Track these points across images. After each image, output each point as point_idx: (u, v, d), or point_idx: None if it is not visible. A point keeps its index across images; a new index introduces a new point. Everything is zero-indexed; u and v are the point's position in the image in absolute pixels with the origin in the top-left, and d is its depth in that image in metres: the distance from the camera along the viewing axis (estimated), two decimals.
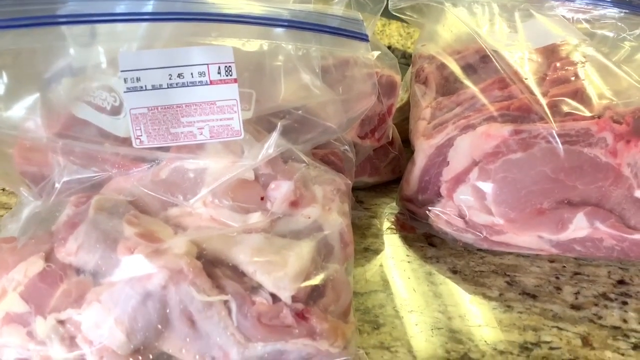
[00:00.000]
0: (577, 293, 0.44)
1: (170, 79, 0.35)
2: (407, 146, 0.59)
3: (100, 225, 0.37)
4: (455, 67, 0.55)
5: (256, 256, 0.35)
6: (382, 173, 0.57)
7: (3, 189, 0.57)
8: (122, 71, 0.35)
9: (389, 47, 1.03)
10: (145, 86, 0.35)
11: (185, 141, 0.37)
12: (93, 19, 0.36)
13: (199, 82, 0.35)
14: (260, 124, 0.42)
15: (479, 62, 0.55)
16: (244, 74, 0.38)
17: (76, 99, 0.39)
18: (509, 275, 0.46)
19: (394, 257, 0.48)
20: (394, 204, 0.56)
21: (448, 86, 0.54)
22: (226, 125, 0.37)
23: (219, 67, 0.35)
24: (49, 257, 0.37)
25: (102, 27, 0.37)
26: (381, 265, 0.47)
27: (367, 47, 0.41)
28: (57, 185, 0.41)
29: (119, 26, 0.37)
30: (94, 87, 0.38)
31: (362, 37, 0.41)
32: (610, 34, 0.56)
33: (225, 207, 0.39)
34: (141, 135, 0.36)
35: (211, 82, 0.35)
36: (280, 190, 0.40)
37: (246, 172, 0.39)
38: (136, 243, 0.35)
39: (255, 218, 0.39)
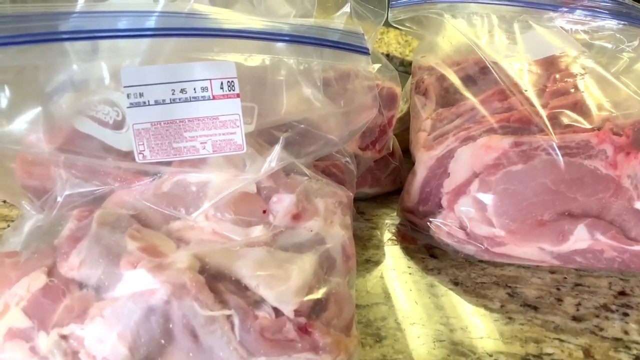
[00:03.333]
0: (579, 304, 0.45)
1: (173, 94, 0.35)
2: (407, 157, 0.60)
3: (103, 239, 0.37)
4: (454, 79, 0.55)
5: (259, 270, 0.35)
6: (383, 184, 0.57)
7: (4, 201, 0.57)
8: (125, 87, 0.35)
9: (387, 55, 1.03)
10: (149, 101, 0.35)
11: (187, 156, 0.37)
12: (95, 35, 0.36)
13: (202, 97, 0.36)
14: (262, 137, 0.42)
15: (479, 73, 0.55)
16: (246, 88, 0.38)
17: (78, 113, 0.39)
18: (510, 287, 0.46)
19: (396, 268, 0.48)
20: (394, 215, 0.56)
21: (448, 97, 0.55)
22: (229, 139, 0.37)
23: (222, 82, 0.36)
24: (51, 271, 0.37)
25: (104, 43, 0.38)
26: (382, 277, 0.47)
27: (368, 60, 0.41)
28: (59, 199, 0.41)
29: (122, 41, 0.37)
30: (97, 102, 0.38)
31: (363, 51, 0.41)
32: (609, 45, 0.56)
33: (227, 221, 0.39)
34: (144, 150, 0.36)
35: (214, 97, 0.36)
36: (283, 204, 0.40)
37: (248, 185, 0.39)
38: (139, 257, 0.35)
39: (258, 232, 0.39)
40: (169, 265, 0.35)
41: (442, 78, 0.56)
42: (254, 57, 0.38)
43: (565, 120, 0.46)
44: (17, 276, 0.36)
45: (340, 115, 0.43)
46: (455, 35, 0.58)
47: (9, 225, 0.52)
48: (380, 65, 0.49)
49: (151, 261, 0.35)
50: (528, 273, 0.48)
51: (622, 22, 0.56)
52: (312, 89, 0.41)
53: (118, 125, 0.38)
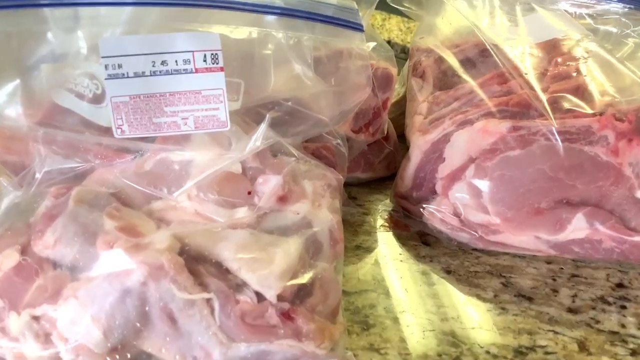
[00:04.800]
0: (575, 296, 0.43)
1: (153, 66, 0.33)
2: (402, 142, 0.58)
3: (80, 217, 0.35)
4: (453, 61, 0.53)
5: (241, 253, 0.33)
6: (377, 169, 0.55)
7: None
8: (103, 57, 0.33)
9: (389, 42, 1.01)
10: (127, 73, 0.33)
11: (168, 132, 0.36)
12: (75, 2, 0.34)
13: (184, 70, 0.34)
14: (248, 116, 0.40)
15: (478, 56, 0.53)
16: (232, 63, 0.36)
17: (58, 86, 0.38)
18: (504, 277, 0.45)
19: (387, 255, 0.47)
20: (387, 201, 0.54)
21: (446, 80, 0.53)
22: (212, 115, 0.36)
23: (205, 55, 0.34)
24: (25, 250, 0.35)
25: (84, 11, 0.36)
26: (373, 264, 0.45)
27: (362, 37, 0.39)
28: (38, 176, 0.39)
29: (102, 9, 0.36)
30: (76, 74, 0.37)
31: (357, 27, 0.40)
32: (614, 30, 0.55)
33: (210, 201, 0.37)
34: (122, 125, 0.34)
35: (196, 70, 0.34)
36: (269, 185, 0.38)
37: (233, 165, 0.38)
38: (116, 237, 0.34)
39: (242, 213, 0.37)
40: (146, 246, 0.33)
41: (440, 60, 0.54)
42: (241, 30, 0.36)
43: (566, 105, 0.44)
44: None
45: (331, 94, 0.41)
46: (455, 16, 0.56)
47: None
48: (375, 43, 0.47)
49: (128, 241, 0.33)
50: (523, 263, 0.46)
51: (628, 6, 0.54)
52: (302, 65, 0.39)
53: (98, 99, 0.36)
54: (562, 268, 0.46)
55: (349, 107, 0.41)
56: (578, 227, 0.43)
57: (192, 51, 0.34)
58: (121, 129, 0.35)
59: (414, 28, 0.96)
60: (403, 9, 0.59)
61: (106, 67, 0.33)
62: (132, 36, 0.33)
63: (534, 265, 0.46)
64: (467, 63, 0.53)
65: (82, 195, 0.36)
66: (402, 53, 1.01)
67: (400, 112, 0.58)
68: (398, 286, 0.43)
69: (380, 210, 0.53)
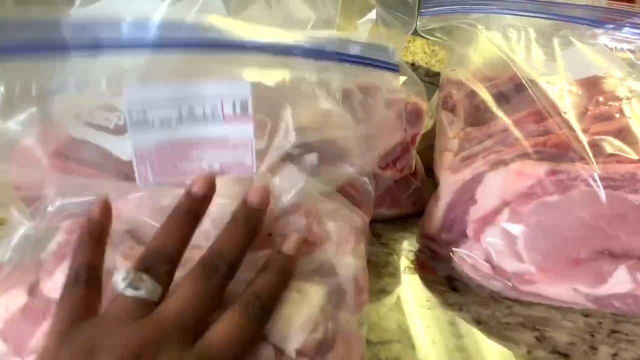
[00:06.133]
0: (615, 355, 0.40)
1: (179, 113, 0.32)
2: (429, 176, 0.56)
3: None
4: (486, 96, 0.51)
5: None
6: (403, 205, 0.53)
7: None
8: (127, 105, 0.31)
9: (413, 65, 0.99)
10: (153, 122, 0.32)
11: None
12: (96, 44, 0.32)
13: (212, 117, 0.32)
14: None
15: (513, 91, 0.51)
16: (259, 100, 0.35)
17: (76, 117, 0.36)
18: (538, 330, 0.42)
19: (413, 301, 0.44)
20: (413, 239, 0.52)
21: (478, 116, 0.51)
22: (239, 161, 0.34)
23: (234, 103, 0.32)
24: (33, 289, 0.33)
25: (106, 41, 0.34)
26: (398, 311, 0.43)
27: (397, 77, 0.37)
28: (50, 208, 0.38)
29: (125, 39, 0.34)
30: (95, 107, 0.35)
31: (392, 68, 0.38)
32: None
33: None
34: (147, 173, 0.33)
35: (225, 119, 0.32)
36: (291, 227, 0.36)
37: None
38: None
39: (262, 254, 0.35)
40: None
41: (472, 94, 0.52)
42: (270, 72, 0.34)
43: (609, 149, 0.42)
44: None
45: (362, 137, 0.39)
46: (488, 48, 0.54)
47: None
48: (405, 77, 0.45)
49: None
50: (558, 315, 0.43)
51: None
52: (331, 105, 0.37)
53: (119, 130, 0.35)
54: (600, 322, 0.43)
55: (380, 150, 0.39)
56: (620, 280, 0.40)
57: (221, 98, 0.32)
58: (145, 177, 0.33)
59: (439, 51, 0.94)
60: (434, 39, 0.57)
61: (130, 114, 0.31)
62: (157, 84, 0.31)
63: (569, 318, 0.43)
64: (501, 98, 0.50)
65: None
66: (426, 76, 0.99)
67: (427, 145, 0.56)
68: (425, 336, 0.40)
69: (406, 250, 0.50)
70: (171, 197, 0.37)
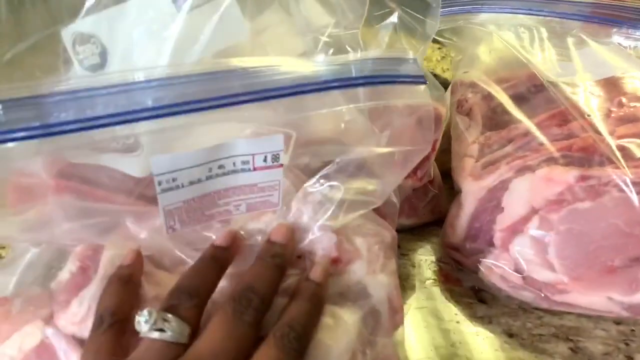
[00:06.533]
0: None
1: (209, 171, 0.30)
2: (446, 182, 0.54)
3: None
4: (504, 98, 0.49)
5: None
6: (421, 214, 0.51)
7: None
8: (156, 175, 0.29)
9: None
10: (182, 184, 0.30)
11: (220, 219, 0.33)
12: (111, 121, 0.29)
13: (242, 169, 0.31)
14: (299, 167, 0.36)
15: (531, 92, 0.49)
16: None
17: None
18: (571, 340, 0.40)
19: (440, 316, 0.42)
20: (434, 250, 0.50)
21: (496, 119, 0.49)
22: (265, 200, 0.32)
23: (266, 157, 0.30)
24: (47, 324, 0.31)
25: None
26: (427, 326, 0.41)
27: (426, 90, 0.36)
28: (57, 232, 0.35)
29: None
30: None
31: (419, 80, 0.36)
32: None
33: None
34: (174, 225, 0.31)
35: (254, 169, 0.31)
36: (320, 246, 0.34)
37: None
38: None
39: (291, 280, 0.33)
40: None
41: (489, 97, 0.50)
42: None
43: (638, 152, 0.40)
44: (7, 331, 0.30)
45: (388, 153, 0.37)
46: (501, 48, 0.52)
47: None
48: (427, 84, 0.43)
49: None
50: (590, 323, 0.42)
51: None
52: (355, 115, 0.35)
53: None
54: (633, 330, 0.42)
55: (407, 168, 0.37)
56: None
57: (253, 154, 0.30)
58: (172, 228, 0.31)
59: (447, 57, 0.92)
60: (444, 40, 0.56)
61: (159, 183, 0.29)
62: (187, 152, 0.29)
63: (602, 327, 0.42)
64: (519, 100, 0.49)
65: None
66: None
67: (441, 150, 0.54)
68: (459, 354, 0.39)
69: (428, 261, 0.48)
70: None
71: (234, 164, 0.30)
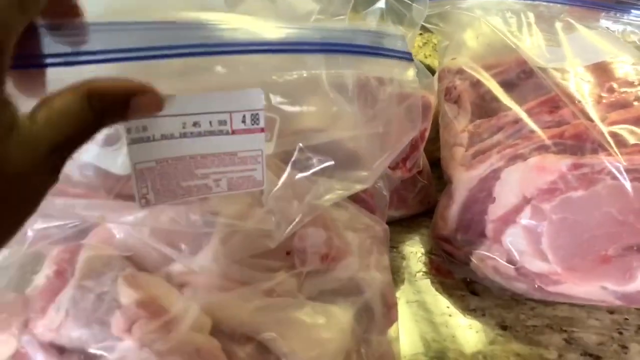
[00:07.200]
0: None
1: (183, 127, 0.27)
2: (434, 172, 0.53)
3: (90, 291, 0.30)
4: (493, 84, 0.48)
5: (285, 329, 0.28)
6: (410, 205, 0.50)
7: None
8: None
9: None
10: (154, 136, 0.27)
11: (198, 195, 0.30)
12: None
13: (219, 131, 0.28)
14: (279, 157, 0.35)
15: (519, 78, 0.48)
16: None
17: None
18: (565, 331, 0.40)
19: (433, 309, 0.41)
20: (424, 241, 0.49)
21: (485, 106, 0.48)
22: (247, 176, 0.30)
23: (244, 116, 0.28)
24: (23, 331, 0.29)
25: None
26: (419, 320, 0.40)
27: (412, 67, 0.34)
28: (30, 233, 0.33)
29: None
30: None
31: (405, 57, 0.34)
32: None
33: (242, 264, 0.32)
34: (147, 194, 0.29)
35: (233, 132, 0.28)
36: (310, 241, 0.33)
37: (266, 221, 0.32)
38: (136, 315, 0.28)
39: (280, 278, 0.32)
40: (174, 326, 0.28)
41: (477, 84, 0.49)
42: (282, 74, 0.30)
43: (630, 139, 0.40)
44: None
45: (373, 137, 0.36)
46: (489, 33, 0.51)
47: None
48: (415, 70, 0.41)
49: (151, 322, 0.28)
50: (583, 313, 0.42)
51: None
52: (343, 103, 0.34)
53: (110, 141, 0.30)
54: (626, 319, 0.41)
55: (394, 150, 0.35)
56: None
57: (230, 112, 0.28)
58: (146, 198, 0.29)
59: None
60: (430, 26, 0.54)
61: (129, 130, 0.27)
62: None
63: (595, 316, 0.41)
64: (508, 86, 0.48)
65: (92, 263, 0.30)
66: None
67: (429, 138, 0.53)
68: (452, 348, 0.38)
69: (418, 253, 0.47)
70: (171, 216, 0.33)
71: (210, 122, 0.27)
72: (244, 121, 0.28)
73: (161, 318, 0.28)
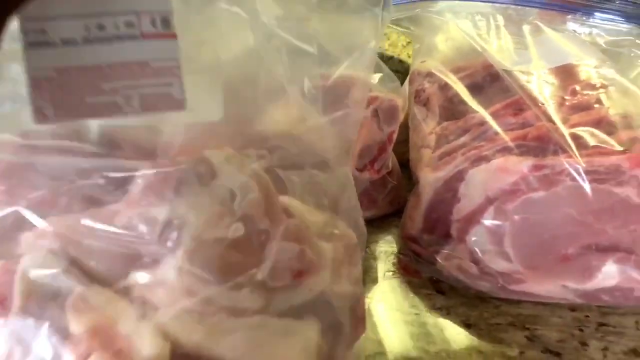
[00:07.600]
0: (605, 349, 0.40)
1: (86, 31, 0.25)
2: (404, 172, 0.54)
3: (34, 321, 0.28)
4: (460, 87, 0.49)
5: (252, 352, 0.28)
6: (380, 206, 0.51)
7: None
8: (21, 21, 0.25)
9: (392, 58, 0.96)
10: (53, 40, 0.25)
11: (106, 115, 0.27)
12: None
13: (126, 36, 0.26)
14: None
15: (487, 81, 0.49)
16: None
17: None
18: (528, 329, 0.41)
19: (399, 308, 0.42)
20: (394, 241, 0.50)
21: (452, 109, 0.49)
22: (164, 93, 0.27)
23: (153, 17, 0.26)
24: None
25: None
26: (385, 319, 0.41)
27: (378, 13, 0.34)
28: None
29: None
30: None
31: None
32: (624, 52, 0.51)
33: (207, 278, 0.31)
34: (45, 108, 0.25)
35: (143, 36, 0.26)
36: (282, 256, 0.32)
37: (236, 229, 0.32)
38: (88, 348, 0.26)
39: (247, 294, 0.31)
40: (128, 354, 0.27)
41: (446, 87, 0.50)
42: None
43: (591, 140, 0.41)
44: None
45: (330, 128, 0.35)
46: (458, 37, 0.52)
47: None
48: (381, 75, 0.42)
49: (105, 353, 0.26)
50: (547, 311, 0.43)
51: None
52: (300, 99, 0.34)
53: None
54: (587, 316, 0.42)
55: (349, 141, 0.35)
56: (609, 275, 0.39)
57: (137, 12, 0.26)
58: (43, 112, 0.26)
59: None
60: (401, 29, 0.55)
61: (25, 33, 0.24)
62: None
63: (558, 314, 0.42)
64: (475, 89, 0.49)
65: (34, 287, 0.28)
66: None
67: (400, 140, 0.54)
68: (416, 346, 0.39)
69: (388, 253, 0.48)
70: (128, 218, 0.31)
71: (115, 24, 0.25)
72: (153, 24, 0.26)
73: (116, 347, 0.26)
